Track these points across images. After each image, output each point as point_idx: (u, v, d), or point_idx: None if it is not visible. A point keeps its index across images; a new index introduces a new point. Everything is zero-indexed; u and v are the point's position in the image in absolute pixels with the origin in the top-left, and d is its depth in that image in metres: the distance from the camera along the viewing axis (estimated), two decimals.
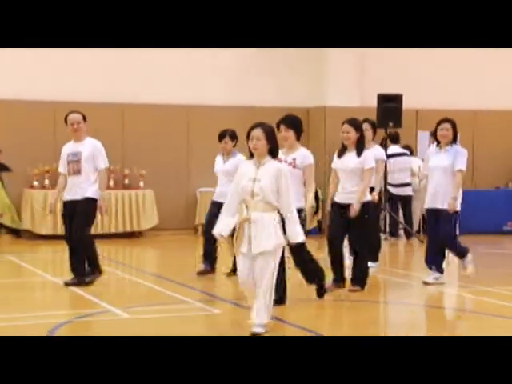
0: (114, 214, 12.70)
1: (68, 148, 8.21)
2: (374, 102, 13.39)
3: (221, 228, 5.76)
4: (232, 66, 14.14)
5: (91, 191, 7.95)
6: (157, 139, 13.53)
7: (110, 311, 6.72)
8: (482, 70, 15.08)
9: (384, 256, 9.68)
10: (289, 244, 6.02)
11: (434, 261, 8.06)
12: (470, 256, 8.12)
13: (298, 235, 5.75)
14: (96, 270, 8.06)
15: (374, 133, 9.06)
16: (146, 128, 13.41)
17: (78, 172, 8.03)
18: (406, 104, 13.26)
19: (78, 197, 7.85)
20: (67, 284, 7.82)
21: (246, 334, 5.62)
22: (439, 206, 7.95)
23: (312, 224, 7.98)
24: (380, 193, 9.34)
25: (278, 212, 5.76)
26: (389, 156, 13.28)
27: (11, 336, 4.79)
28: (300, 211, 6.66)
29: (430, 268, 8.06)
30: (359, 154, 7.46)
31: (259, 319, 5.73)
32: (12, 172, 11.70)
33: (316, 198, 8.65)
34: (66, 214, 8.07)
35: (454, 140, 8.11)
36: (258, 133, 5.75)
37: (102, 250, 11.44)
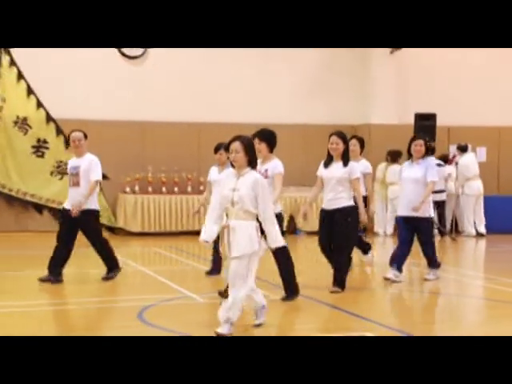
0: (192, 215, 12.73)
1: (70, 162, 7.92)
2: (411, 120, 13.19)
3: (205, 235, 5.30)
4: (288, 89, 14.15)
5: (90, 203, 7.63)
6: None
7: (188, 296, 6.74)
8: (506, 92, 14.83)
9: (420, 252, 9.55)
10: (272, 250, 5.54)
11: (399, 260, 7.70)
12: (438, 272, 7.79)
13: (275, 240, 5.25)
14: (115, 266, 7.79)
15: (362, 148, 8.78)
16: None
17: (76, 184, 7.69)
18: (440, 122, 13.06)
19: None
20: (42, 280, 7.38)
21: (315, 320, 5.54)
22: (415, 214, 7.53)
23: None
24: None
25: (258, 220, 5.30)
26: None
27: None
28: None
29: (392, 265, 7.69)
30: (345, 164, 6.96)
31: (222, 318, 5.12)
32: (109, 180, 11.89)
33: None
34: (64, 221, 7.68)
35: (426, 154, 7.81)
36: (236, 146, 5.24)
37: (181, 245, 11.66)
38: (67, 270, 7.51)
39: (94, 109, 12.53)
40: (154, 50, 13.20)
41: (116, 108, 12.75)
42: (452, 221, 13.14)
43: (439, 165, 12.70)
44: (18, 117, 12.24)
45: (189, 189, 12.76)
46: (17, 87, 12.18)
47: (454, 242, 12.13)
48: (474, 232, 12.88)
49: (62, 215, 7.90)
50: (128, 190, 12.37)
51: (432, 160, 8.39)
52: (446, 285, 7.75)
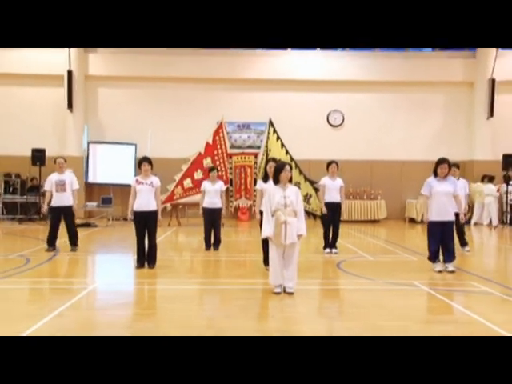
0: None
1: (55, 177, 9.42)
2: (500, 158, 16.83)
3: (268, 231, 6.14)
4: (422, 138, 18.46)
5: (71, 201, 9.35)
6: (401, 177, 18.56)
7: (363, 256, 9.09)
8: None
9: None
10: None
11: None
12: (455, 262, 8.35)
13: (303, 230, 6.13)
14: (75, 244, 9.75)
15: (337, 169, 10.16)
16: (392, 170, 18.45)
17: (63, 190, 9.30)
18: None
19: (66, 204, 9.35)
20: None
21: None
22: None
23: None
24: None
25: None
26: None
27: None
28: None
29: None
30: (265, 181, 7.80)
31: (293, 283, 6.27)
32: None
33: None
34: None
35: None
36: (288, 168, 6.29)
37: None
38: None
39: (312, 153, 18.20)
40: (348, 122, 18.18)
41: (322, 152, 18.03)
42: None
43: None
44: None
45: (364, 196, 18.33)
46: (276, 144, 17.93)
47: None
48: None
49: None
50: None
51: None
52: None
